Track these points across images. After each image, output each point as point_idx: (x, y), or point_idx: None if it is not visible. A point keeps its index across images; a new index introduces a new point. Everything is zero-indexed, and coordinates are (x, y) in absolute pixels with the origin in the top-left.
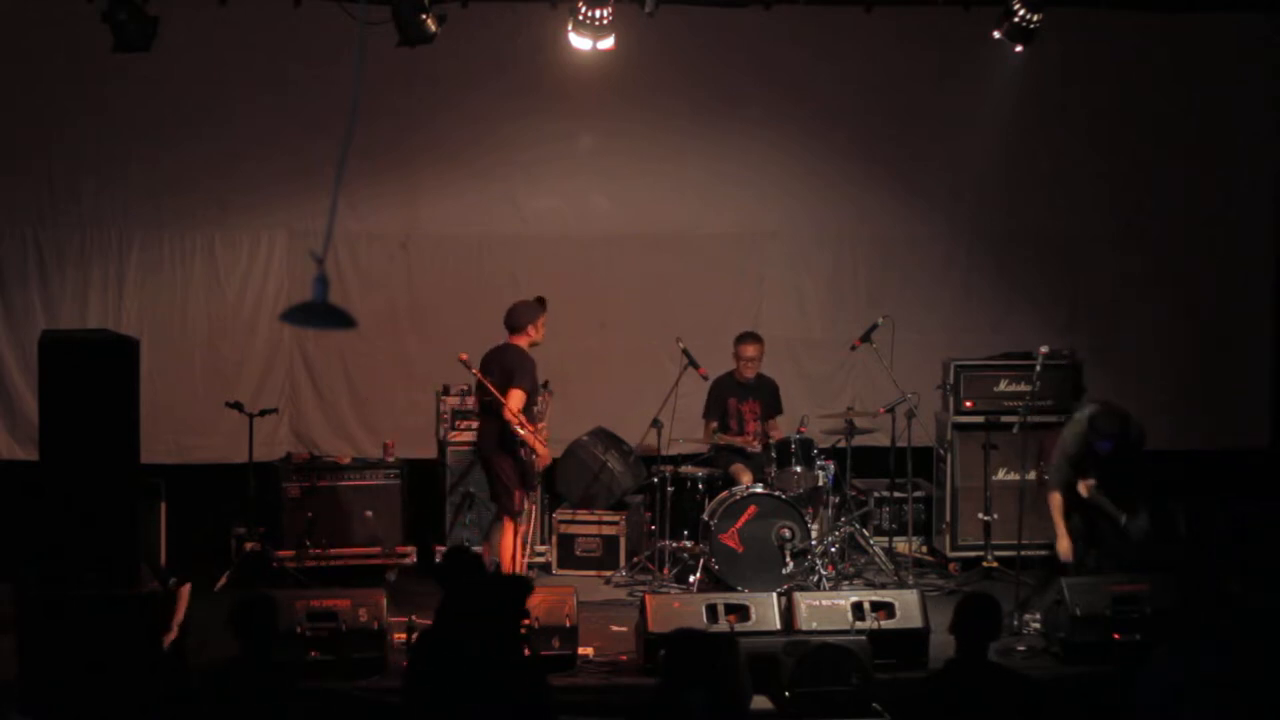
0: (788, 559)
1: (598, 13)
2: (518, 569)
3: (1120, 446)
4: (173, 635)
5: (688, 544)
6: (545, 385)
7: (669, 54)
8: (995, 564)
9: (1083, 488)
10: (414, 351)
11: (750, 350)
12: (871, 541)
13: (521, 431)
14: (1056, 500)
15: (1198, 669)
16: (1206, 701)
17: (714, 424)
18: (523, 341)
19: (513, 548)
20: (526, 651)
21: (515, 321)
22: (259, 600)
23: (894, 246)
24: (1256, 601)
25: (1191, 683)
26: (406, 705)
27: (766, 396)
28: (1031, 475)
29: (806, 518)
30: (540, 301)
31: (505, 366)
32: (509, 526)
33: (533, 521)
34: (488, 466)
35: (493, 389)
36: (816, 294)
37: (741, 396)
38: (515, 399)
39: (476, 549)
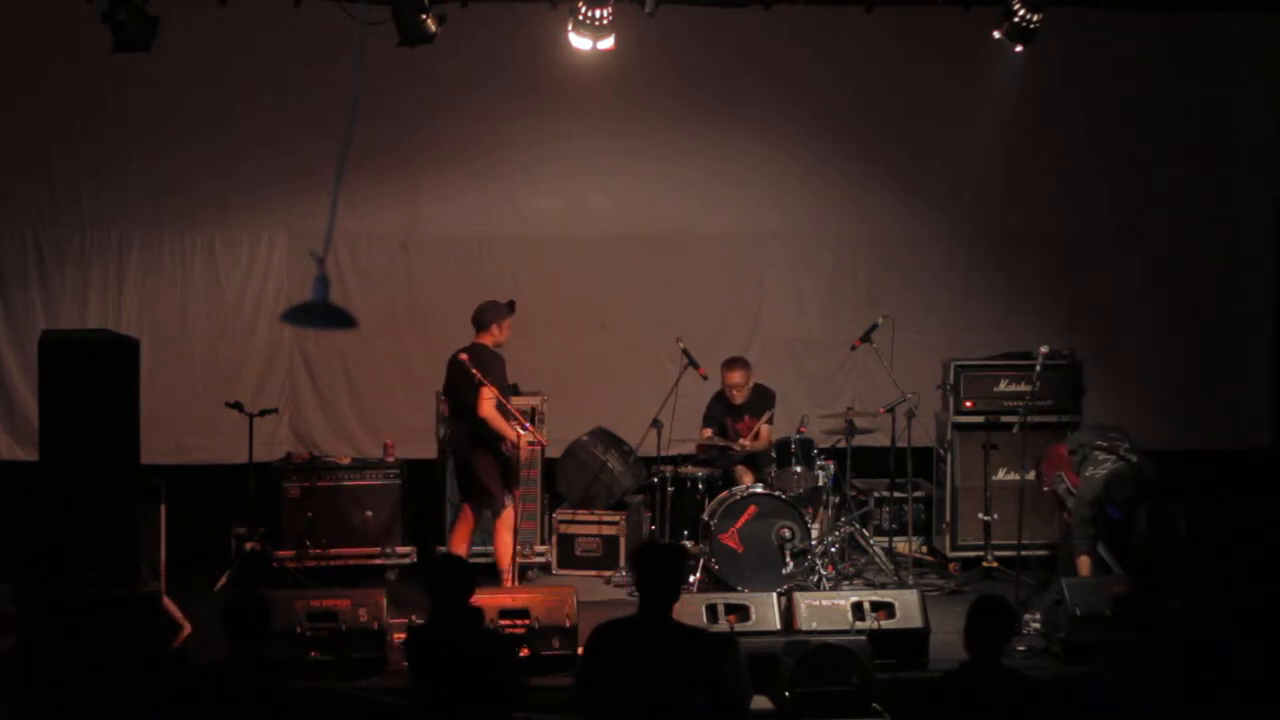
0: (788, 559)
1: (598, 13)
2: (516, 565)
3: (1129, 513)
4: (187, 630)
5: (688, 544)
6: (515, 387)
7: (669, 54)
8: (995, 564)
9: None
10: (414, 351)
11: (734, 377)
12: (871, 541)
13: (505, 425)
14: (1086, 564)
15: (1147, 668)
16: (1160, 699)
17: (708, 431)
18: (487, 340)
19: (512, 545)
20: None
21: (482, 320)
22: (252, 601)
23: (894, 246)
24: (1256, 601)
25: (1144, 681)
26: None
27: (762, 410)
28: (1031, 475)
29: (806, 518)
30: (510, 305)
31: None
32: (502, 523)
33: (519, 519)
34: (466, 468)
35: (493, 388)
36: (816, 294)
37: (737, 415)
38: (487, 396)
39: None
